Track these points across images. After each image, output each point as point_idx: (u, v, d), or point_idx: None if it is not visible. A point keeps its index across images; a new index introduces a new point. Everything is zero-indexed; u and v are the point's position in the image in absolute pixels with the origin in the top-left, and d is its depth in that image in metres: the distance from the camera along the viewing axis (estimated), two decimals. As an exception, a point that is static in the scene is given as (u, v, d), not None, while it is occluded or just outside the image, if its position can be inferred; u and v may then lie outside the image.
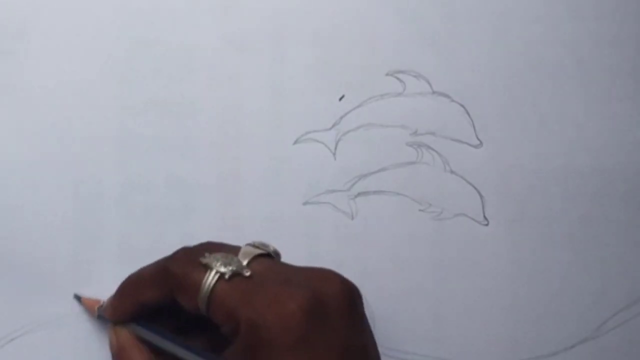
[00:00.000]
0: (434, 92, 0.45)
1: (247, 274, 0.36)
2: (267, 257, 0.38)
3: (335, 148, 0.44)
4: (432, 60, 0.45)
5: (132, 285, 0.40)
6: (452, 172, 0.45)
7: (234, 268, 0.36)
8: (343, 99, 0.45)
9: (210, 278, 0.36)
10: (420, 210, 0.45)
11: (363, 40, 0.45)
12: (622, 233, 0.46)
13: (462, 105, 0.45)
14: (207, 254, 0.37)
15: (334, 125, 0.44)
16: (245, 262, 0.36)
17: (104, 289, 0.42)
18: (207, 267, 0.36)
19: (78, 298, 0.42)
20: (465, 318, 0.44)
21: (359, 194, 0.44)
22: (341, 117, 0.44)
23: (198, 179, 0.43)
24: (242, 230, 0.43)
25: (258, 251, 0.37)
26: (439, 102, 0.45)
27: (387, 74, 0.45)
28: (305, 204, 0.44)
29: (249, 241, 0.38)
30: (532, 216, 0.45)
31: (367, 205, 0.44)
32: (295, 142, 0.44)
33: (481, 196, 0.45)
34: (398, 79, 0.45)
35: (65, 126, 0.43)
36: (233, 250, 0.38)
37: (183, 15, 0.44)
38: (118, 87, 0.43)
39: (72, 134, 0.43)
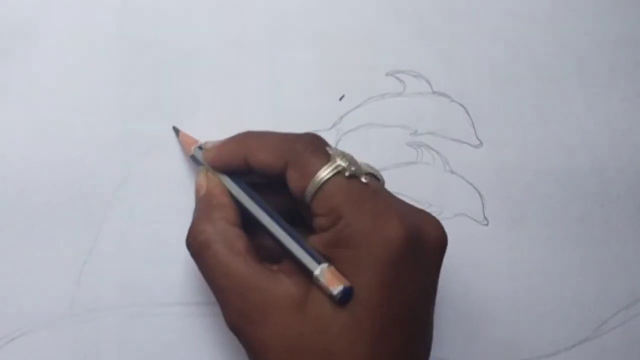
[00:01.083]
0: (434, 92, 0.45)
1: (365, 180, 0.36)
2: (377, 180, 0.38)
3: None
4: (432, 60, 0.45)
5: (249, 140, 0.39)
6: (452, 172, 0.45)
7: (355, 170, 0.36)
8: (343, 99, 0.45)
9: (331, 169, 0.36)
10: (420, 210, 0.45)
11: (363, 40, 0.45)
12: (622, 233, 0.46)
13: (462, 105, 0.45)
14: (333, 147, 0.37)
15: (334, 125, 0.44)
16: (362, 170, 0.37)
17: (104, 289, 0.42)
18: (330, 158, 0.36)
19: (176, 131, 0.42)
20: (465, 318, 0.44)
21: (359, 194, 0.44)
22: (341, 117, 0.45)
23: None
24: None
25: (372, 171, 0.37)
26: (439, 102, 0.45)
27: (387, 74, 0.45)
28: (305, 204, 0.44)
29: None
30: (532, 216, 0.45)
31: (367, 205, 0.44)
32: (295, 142, 0.44)
33: (481, 196, 0.45)
34: (398, 79, 0.45)
35: (65, 126, 0.43)
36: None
37: (183, 15, 0.44)
38: (118, 87, 0.43)
39: (72, 134, 0.43)
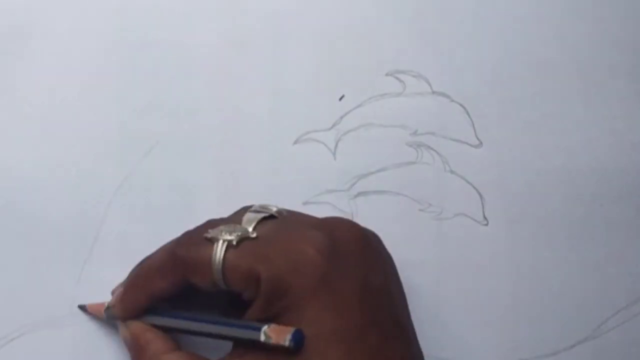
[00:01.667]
0: (434, 92, 0.45)
1: (254, 235, 0.36)
2: (271, 218, 0.38)
3: (335, 148, 0.44)
4: (432, 60, 0.45)
5: (141, 278, 0.39)
6: (452, 172, 0.45)
7: (240, 233, 0.36)
8: (343, 99, 0.45)
9: (219, 249, 0.36)
10: (420, 210, 0.45)
11: (363, 40, 0.45)
12: (622, 233, 0.46)
13: (462, 105, 0.45)
14: (210, 230, 0.37)
15: (334, 125, 0.44)
16: (250, 228, 0.37)
17: (104, 289, 0.42)
18: (213, 241, 0.36)
19: (83, 308, 0.42)
20: (465, 318, 0.44)
21: (359, 194, 0.44)
22: (341, 117, 0.44)
23: (198, 179, 0.43)
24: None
25: (261, 215, 0.38)
26: (439, 102, 0.45)
27: (387, 74, 0.45)
28: (305, 203, 0.44)
29: (249, 206, 0.39)
30: (532, 216, 0.45)
31: (367, 205, 0.44)
32: (295, 142, 0.44)
33: (481, 196, 0.45)
34: (398, 79, 0.45)
35: (66, 126, 0.43)
36: (235, 220, 0.38)
37: (183, 15, 0.44)
38: (118, 87, 0.43)
39: (72, 134, 0.43)
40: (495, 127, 0.45)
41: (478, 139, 0.45)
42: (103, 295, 0.42)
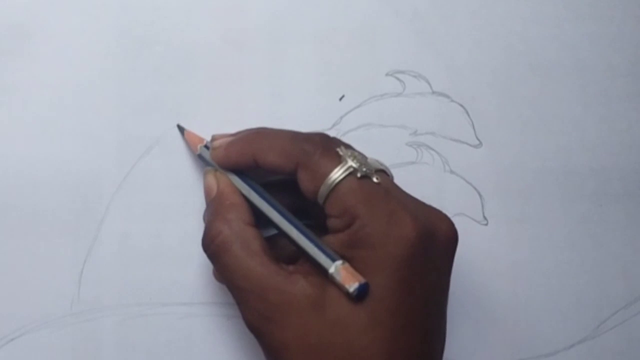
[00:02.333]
0: (433, 92, 0.45)
1: (377, 180, 0.36)
2: (387, 175, 0.38)
3: (335, 148, 0.44)
4: (432, 60, 0.45)
5: (258, 140, 0.38)
6: (451, 172, 0.45)
7: (367, 170, 0.36)
8: (343, 99, 0.45)
9: (342, 170, 0.36)
10: (420, 210, 0.44)
11: (363, 40, 0.45)
12: (621, 233, 0.46)
13: (462, 105, 0.45)
14: (343, 147, 0.37)
15: (334, 125, 0.44)
16: (373, 169, 0.37)
17: (104, 289, 0.42)
18: (341, 159, 0.36)
19: (181, 129, 0.42)
20: (465, 318, 0.44)
21: (359, 194, 0.44)
22: (341, 117, 0.44)
23: (198, 179, 0.43)
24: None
25: (382, 167, 0.38)
26: (438, 102, 0.45)
27: (387, 74, 0.45)
28: (305, 204, 0.44)
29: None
30: (531, 216, 0.45)
31: (367, 205, 0.44)
32: (295, 142, 0.44)
33: (481, 196, 0.45)
34: (398, 79, 0.45)
35: (65, 126, 0.43)
36: (362, 155, 0.38)
37: (183, 15, 0.44)
38: (118, 87, 0.43)
39: (72, 134, 0.43)
40: (495, 127, 0.45)
41: (478, 139, 0.45)
42: (103, 295, 0.42)
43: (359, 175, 0.36)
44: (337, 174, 0.36)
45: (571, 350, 0.45)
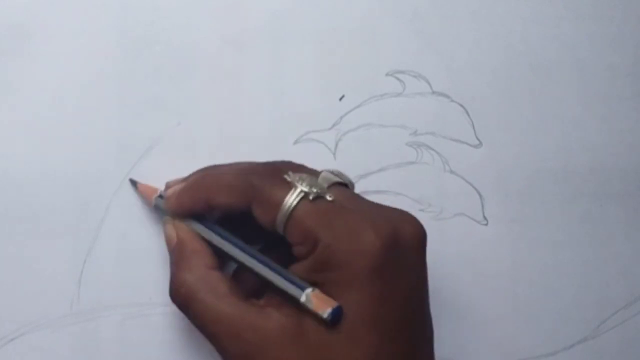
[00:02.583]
0: (434, 92, 0.45)
1: (330, 198, 0.36)
2: (344, 186, 0.38)
3: (335, 148, 0.44)
4: (432, 60, 0.45)
5: (207, 185, 0.38)
6: (451, 172, 0.45)
7: (318, 190, 0.36)
8: (343, 99, 0.45)
9: (294, 196, 0.36)
10: (420, 210, 0.45)
11: (363, 40, 0.45)
12: (621, 233, 0.46)
13: (462, 105, 0.45)
14: (290, 173, 0.37)
15: (334, 125, 0.44)
16: (325, 186, 0.37)
17: (104, 289, 0.42)
18: (291, 185, 0.36)
19: (134, 183, 0.42)
20: (465, 318, 0.45)
21: (359, 194, 0.44)
22: (341, 117, 0.44)
23: (198, 179, 0.43)
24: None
25: (337, 179, 0.38)
26: (439, 102, 0.45)
27: (387, 74, 0.45)
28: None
29: (326, 168, 0.39)
30: (531, 216, 0.45)
31: (367, 205, 0.44)
32: (295, 142, 0.44)
33: (480, 196, 0.45)
34: (398, 79, 0.45)
35: (66, 126, 0.43)
36: (312, 173, 0.38)
37: (183, 15, 0.44)
38: (118, 87, 0.43)
39: (72, 134, 0.43)
40: (495, 127, 0.45)
41: (478, 139, 0.45)
42: (103, 295, 0.42)
43: (311, 197, 0.36)
44: (289, 201, 0.36)
45: (571, 350, 0.45)
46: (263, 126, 0.42)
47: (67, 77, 0.43)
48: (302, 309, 0.35)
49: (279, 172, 0.37)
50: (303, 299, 0.35)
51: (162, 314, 0.43)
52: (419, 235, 0.36)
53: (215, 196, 0.38)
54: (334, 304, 0.34)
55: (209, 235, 0.39)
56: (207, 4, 0.44)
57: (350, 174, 0.44)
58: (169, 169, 0.43)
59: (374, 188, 0.44)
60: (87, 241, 0.42)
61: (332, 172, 0.38)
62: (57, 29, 0.43)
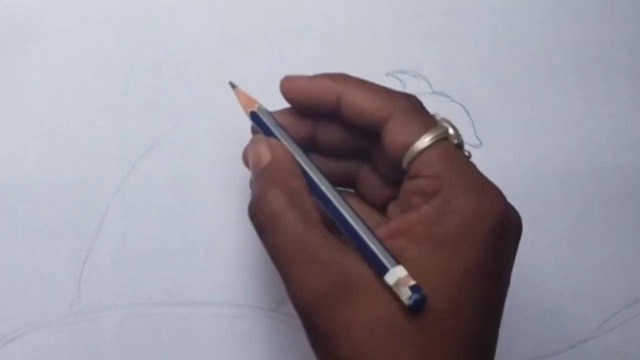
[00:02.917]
0: (434, 92, 0.45)
1: (468, 154, 0.34)
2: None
3: (335, 148, 0.44)
4: (432, 60, 0.45)
5: (346, 79, 0.35)
6: (452, 172, 0.45)
7: (461, 140, 0.34)
8: (343, 99, 0.45)
9: (439, 132, 0.33)
10: (420, 210, 0.44)
11: (363, 40, 0.45)
12: (622, 233, 0.46)
13: (462, 105, 0.45)
14: (438, 113, 0.35)
15: (334, 125, 0.44)
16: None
17: (104, 289, 0.42)
18: (438, 123, 0.34)
19: (233, 86, 0.38)
20: (465, 318, 0.44)
21: (359, 194, 0.44)
22: (341, 117, 0.44)
23: (198, 179, 0.43)
24: (244, 230, 0.43)
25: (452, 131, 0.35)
26: (439, 102, 0.45)
27: (387, 74, 0.45)
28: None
29: None
30: (532, 216, 0.45)
31: (367, 205, 0.44)
32: (295, 142, 0.44)
33: (481, 196, 0.45)
34: (398, 79, 0.45)
35: (66, 126, 0.43)
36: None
37: (183, 15, 0.44)
38: (118, 87, 0.43)
39: (72, 134, 0.43)
40: (495, 127, 0.45)
41: (478, 139, 0.45)
42: (103, 295, 0.42)
43: (455, 141, 0.34)
44: (433, 134, 0.33)
45: (572, 351, 0.45)
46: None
47: (67, 77, 0.43)
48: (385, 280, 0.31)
49: (425, 108, 0.35)
50: (393, 270, 0.31)
51: (162, 314, 0.43)
52: (520, 226, 0.34)
53: (354, 94, 0.34)
54: (422, 291, 0.30)
55: (306, 165, 0.35)
56: (207, 4, 0.44)
57: (350, 174, 0.44)
58: (169, 169, 0.43)
59: (374, 188, 0.44)
60: (87, 241, 0.42)
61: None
62: (57, 29, 0.43)
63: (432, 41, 0.45)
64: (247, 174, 0.41)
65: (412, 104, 0.34)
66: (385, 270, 0.31)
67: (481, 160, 0.45)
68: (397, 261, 0.31)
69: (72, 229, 0.42)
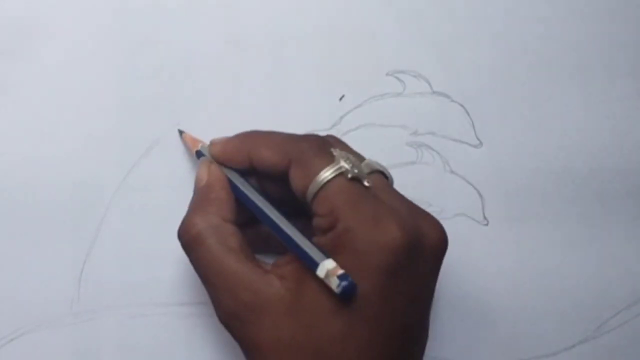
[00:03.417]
0: (434, 92, 0.45)
1: (367, 184, 0.36)
2: (385, 178, 0.38)
3: (335, 148, 0.44)
4: (432, 60, 0.45)
5: (254, 138, 0.39)
6: (452, 172, 0.45)
7: (358, 172, 0.36)
8: (343, 99, 0.45)
9: (333, 170, 0.35)
10: (420, 210, 0.45)
11: (363, 40, 0.45)
12: (622, 233, 0.46)
13: (462, 105, 0.45)
14: (337, 149, 0.37)
15: (334, 125, 0.44)
16: (366, 172, 0.36)
17: (104, 289, 0.42)
18: (334, 159, 0.36)
19: (181, 132, 0.42)
20: (466, 318, 0.44)
21: (359, 194, 0.44)
22: (341, 117, 0.45)
23: (198, 179, 0.43)
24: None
25: (380, 167, 0.37)
26: (439, 102, 0.45)
27: (387, 74, 0.45)
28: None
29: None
30: (532, 216, 0.45)
31: (367, 205, 0.44)
32: (295, 142, 0.44)
33: (481, 196, 0.45)
34: (398, 79, 0.45)
35: (66, 126, 0.43)
36: (358, 156, 0.38)
37: (183, 15, 0.44)
38: (118, 87, 0.43)
39: (72, 134, 0.43)
40: (495, 127, 0.45)
41: (478, 139, 0.45)
42: (103, 295, 0.42)
43: (349, 176, 0.35)
44: (327, 172, 0.35)
45: (572, 351, 0.45)
46: (263, 126, 0.42)
47: (67, 77, 0.43)
48: (305, 285, 0.35)
49: (326, 145, 0.37)
50: (323, 264, 0.34)
51: (162, 314, 0.43)
52: (441, 244, 0.36)
53: (259, 150, 0.38)
54: (352, 280, 0.33)
55: (243, 185, 0.39)
56: (207, 4, 0.44)
57: (350, 174, 0.44)
58: (169, 169, 0.43)
59: (374, 188, 0.44)
60: (87, 241, 0.43)
61: (377, 163, 0.38)
62: (57, 29, 0.43)
63: (432, 41, 0.45)
64: (247, 174, 0.42)
65: (312, 145, 0.37)
66: (315, 265, 0.34)
67: (481, 160, 0.45)
68: (327, 255, 0.34)
69: (72, 229, 0.42)
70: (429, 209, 0.44)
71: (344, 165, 0.36)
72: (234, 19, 0.44)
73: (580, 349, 0.45)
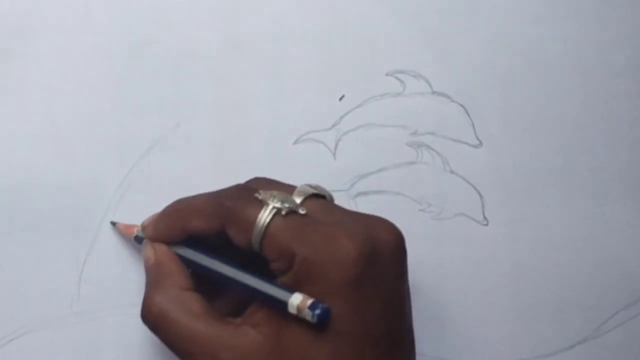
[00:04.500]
0: (434, 92, 0.45)
1: (303, 212, 0.36)
2: (321, 198, 0.38)
3: (335, 148, 0.44)
4: (432, 60, 0.45)
5: (180, 211, 0.39)
6: (451, 172, 0.45)
7: (290, 205, 0.36)
8: (343, 99, 0.45)
9: (267, 213, 0.36)
10: (420, 210, 0.45)
11: (363, 40, 0.45)
12: (622, 233, 0.46)
13: (462, 105, 0.45)
14: (261, 191, 0.37)
15: (334, 125, 0.44)
16: (299, 201, 0.37)
17: (104, 289, 0.42)
18: (262, 203, 0.36)
19: (113, 224, 0.42)
20: (465, 318, 0.44)
21: (359, 194, 0.44)
22: (341, 117, 0.45)
23: (198, 179, 0.43)
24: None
25: (313, 191, 0.38)
26: (439, 102, 0.45)
27: (387, 74, 0.45)
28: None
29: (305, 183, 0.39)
30: (532, 216, 0.45)
31: (367, 205, 0.44)
32: (295, 142, 0.44)
33: (481, 196, 0.45)
34: (398, 79, 0.45)
35: (66, 126, 0.43)
36: (287, 188, 0.38)
37: (183, 15, 0.44)
38: (118, 87, 0.43)
39: (72, 134, 0.43)
40: (495, 127, 0.45)
41: (478, 139, 0.45)
42: (103, 295, 0.42)
43: (283, 212, 0.36)
44: (262, 218, 0.36)
45: (572, 351, 0.45)
46: (263, 126, 0.42)
47: (67, 77, 0.43)
48: (281, 325, 0.35)
49: (250, 192, 0.37)
50: (292, 299, 0.34)
51: (162, 314, 0.43)
52: (397, 242, 0.36)
53: (189, 222, 0.38)
54: (323, 305, 0.34)
55: (190, 254, 0.39)
56: (207, 4, 0.44)
57: (350, 174, 0.44)
58: (169, 169, 0.43)
59: (374, 188, 0.44)
60: (87, 241, 0.43)
61: (309, 186, 0.38)
62: (57, 29, 0.43)
63: (432, 41, 0.45)
64: (246, 175, 0.42)
65: (237, 199, 0.37)
66: (284, 304, 0.34)
67: (481, 160, 0.45)
68: (290, 292, 0.34)
69: (72, 229, 0.42)
70: (429, 209, 0.44)
71: (274, 204, 0.36)
72: (234, 19, 0.44)
73: (580, 349, 0.45)
